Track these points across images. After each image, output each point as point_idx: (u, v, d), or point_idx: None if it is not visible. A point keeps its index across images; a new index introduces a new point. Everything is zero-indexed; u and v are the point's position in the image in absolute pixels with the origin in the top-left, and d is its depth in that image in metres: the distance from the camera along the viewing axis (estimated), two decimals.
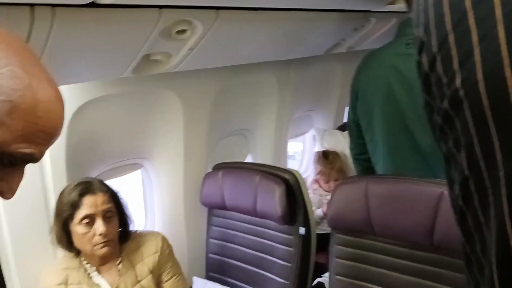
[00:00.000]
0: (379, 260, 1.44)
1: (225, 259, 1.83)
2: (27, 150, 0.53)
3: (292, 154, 3.12)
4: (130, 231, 1.41)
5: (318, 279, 1.97)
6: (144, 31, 1.07)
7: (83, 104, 1.42)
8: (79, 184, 1.29)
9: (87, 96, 1.42)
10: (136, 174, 1.84)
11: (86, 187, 1.27)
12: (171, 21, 1.09)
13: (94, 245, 1.26)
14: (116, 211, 1.33)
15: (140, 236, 1.43)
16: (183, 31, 1.17)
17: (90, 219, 1.25)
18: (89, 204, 1.25)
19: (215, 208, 1.85)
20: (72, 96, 1.39)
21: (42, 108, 0.53)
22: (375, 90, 1.45)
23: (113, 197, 1.33)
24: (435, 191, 1.25)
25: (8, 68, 0.51)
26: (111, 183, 1.40)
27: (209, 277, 1.86)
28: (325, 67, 2.54)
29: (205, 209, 1.89)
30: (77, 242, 1.28)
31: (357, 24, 1.90)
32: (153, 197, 1.85)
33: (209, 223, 1.89)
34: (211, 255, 1.87)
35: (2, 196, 0.56)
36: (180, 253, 1.86)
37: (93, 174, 1.58)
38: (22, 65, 0.52)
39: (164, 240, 1.46)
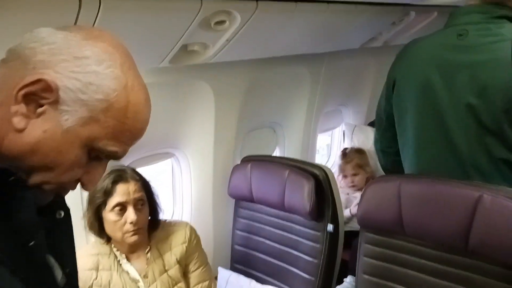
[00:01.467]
0: (408, 261, 1.40)
1: (250, 251, 1.83)
2: (113, 148, 0.57)
3: (318, 148, 3.09)
4: (159, 220, 1.42)
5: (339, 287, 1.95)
6: (185, 21, 1.08)
7: None
8: (112, 171, 1.29)
9: None
10: (166, 163, 1.86)
11: (119, 175, 1.28)
12: (212, 12, 1.09)
13: (125, 233, 1.28)
14: (147, 200, 1.34)
15: (169, 226, 1.44)
16: (222, 22, 1.16)
17: (122, 207, 1.27)
18: (122, 192, 1.26)
19: (242, 200, 1.86)
20: None
21: (132, 109, 0.57)
22: (412, 82, 1.36)
23: (145, 185, 1.34)
24: (473, 195, 1.20)
25: (110, 70, 0.55)
26: (143, 171, 1.42)
27: (234, 268, 1.87)
28: (358, 61, 2.50)
29: (232, 201, 1.90)
30: (108, 229, 1.30)
31: (395, 18, 1.85)
32: (182, 186, 1.87)
33: (236, 215, 1.90)
34: (236, 246, 1.88)
35: (83, 188, 0.61)
36: (207, 242, 1.88)
37: (126, 162, 1.61)
38: (121, 67, 0.56)
39: (192, 230, 1.46)
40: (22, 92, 0.52)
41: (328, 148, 2.99)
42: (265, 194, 1.73)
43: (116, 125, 0.56)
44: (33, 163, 0.53)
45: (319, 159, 2.89)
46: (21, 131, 0.53)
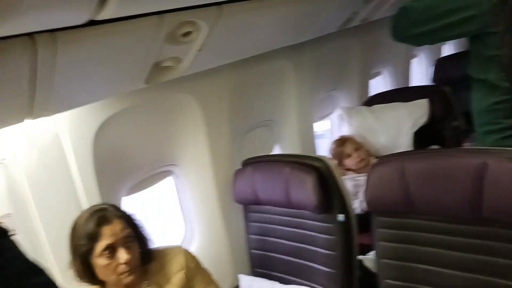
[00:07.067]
0: (425, 239, 1.37)
1: (267, 253, 1.81)
2: None
3: (322, 133, 3.04)
4: (151, 250, 1.34)
5: (360, 257, 1.90)
6: (149, 40, 1.05)
7: (105, 120, 1.42)
8: (93, 213, 1.21)
9: (108, 111, 1.42)
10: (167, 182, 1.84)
11: (102, 216, 1.20)
12: (174, 25, 1.06)
13: (120, 274, 1.21)
14: (135, 235, 1.26)
15: (163, 255, 1.36)
16: (188, 33, 1.13)
17: (111, 249, 1.19)
18: (109, 233, 1.18)
19: (249, 204, 1.83)
20: (93, 113, 1.39)
21: None
22: None
23: (129, 221, 1.27)
24: (477, 162, 1.17)
25: None
26: (145, 192, 1.38)
27: (254, 273, 1.85)
28: (341, 44, 2.45)
29: (241, 206, 1.87)
30: (101, 274, 1.22)
31: None
32: (188, 202, 1.85)
33: (246, 220, 1.87)
34: (253, 251, 1.86)
35: None
36: (223, 252, 1.87)
37: (125, 186, 1.59)
38: None
39: (187, 254, 1.39)
40: None
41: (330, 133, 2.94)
42: (270, 194, 1.70)
43: None
44: None
45: (327, 144, 2.83)
46: None
